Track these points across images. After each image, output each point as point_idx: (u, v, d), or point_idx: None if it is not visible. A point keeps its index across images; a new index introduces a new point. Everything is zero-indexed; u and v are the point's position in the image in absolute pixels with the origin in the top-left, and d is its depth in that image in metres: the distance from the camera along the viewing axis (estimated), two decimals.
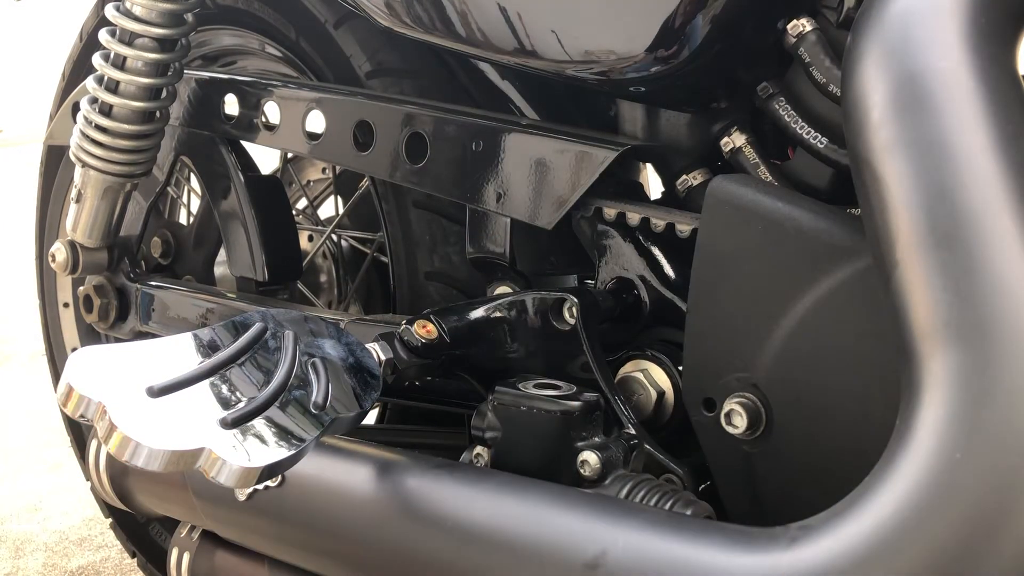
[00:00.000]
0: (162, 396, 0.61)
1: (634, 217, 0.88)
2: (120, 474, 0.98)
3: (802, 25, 0.81)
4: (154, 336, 1.36)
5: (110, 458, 0.97)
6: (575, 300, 0.84)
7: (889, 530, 0.53)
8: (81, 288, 1.37)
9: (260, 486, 0.81)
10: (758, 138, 0.89)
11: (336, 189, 1.51)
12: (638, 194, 0.97)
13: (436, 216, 1.12)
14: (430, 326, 0.83)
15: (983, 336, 0.53)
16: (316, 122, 1.11)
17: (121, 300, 1.34)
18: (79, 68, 1.46)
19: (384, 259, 1.22)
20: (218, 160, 1.28)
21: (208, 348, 0.66)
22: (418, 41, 1.00)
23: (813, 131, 0.84)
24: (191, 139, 1.30)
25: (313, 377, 0.69)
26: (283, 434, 0.64)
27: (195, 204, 1.51)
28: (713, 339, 0.78)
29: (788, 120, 0.84)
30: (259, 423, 0.63)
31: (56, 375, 1.61)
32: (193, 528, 0.96)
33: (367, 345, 0.78)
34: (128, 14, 1.13)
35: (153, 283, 1.31)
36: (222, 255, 1.42)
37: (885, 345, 0.67)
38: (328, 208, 1.59)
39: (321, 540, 0.78)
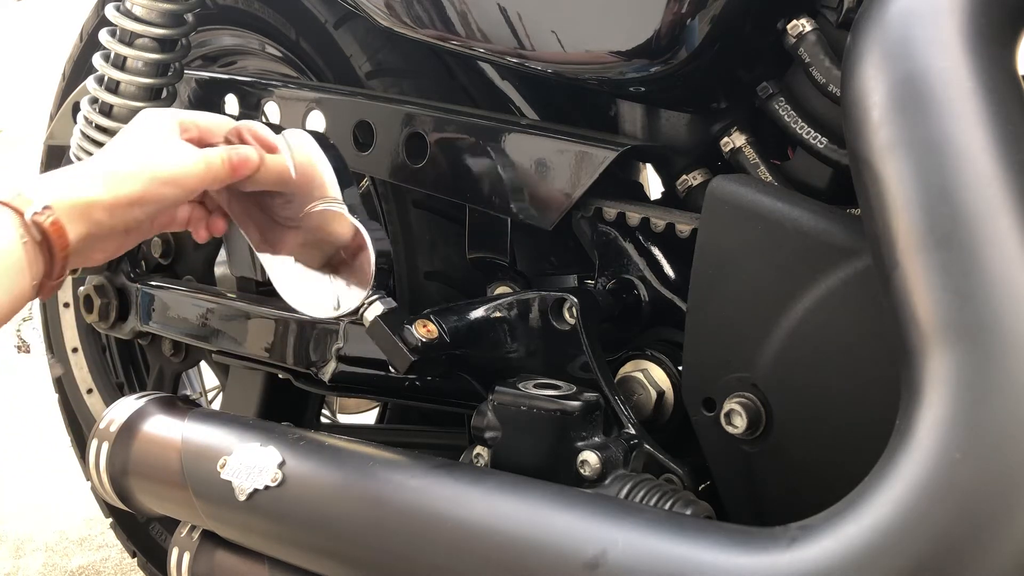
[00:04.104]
0: None
1: (634, 217, 0.88)
2: (120, 474, 0.97)
3: (802, 25, 0.81)
4: (153, 336, 1.36)
5: (110, 458, 0.97)
6: (575, 300, 0.84)
7: (889, 530, 0.53)
8: (81, 288, 1.37)
9: (260, 486, 0.81)
10: (758, 138, 0.89)
11: None
12: (638, 194, 0.97)
13: (436, 216, 1.12)
14: (430, 326, 0.83)
15: (983, 336, 0.53)
16: (316, 122, 1.11)
17: (121, 300, 1.35)
18: (79, 68, 1.46)
19: None
20: None
21: None
22: (418, 41, 1.00)
23: (813, 131, 0.84)
24: None
25: None
26: None
27: None
28: (713, 339, 0.78)
29: (788, 120, 0.85)
30: None
31: (56, 375, 1.61)
32: (193, 528, 0.96)
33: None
34: (128, 14, 1.13)
35: (153, 283, 1.31)
36: (222, 255, 1.42)
37: (885, 345, 0.67)
38: None
39: (321, 540, 0.78)
